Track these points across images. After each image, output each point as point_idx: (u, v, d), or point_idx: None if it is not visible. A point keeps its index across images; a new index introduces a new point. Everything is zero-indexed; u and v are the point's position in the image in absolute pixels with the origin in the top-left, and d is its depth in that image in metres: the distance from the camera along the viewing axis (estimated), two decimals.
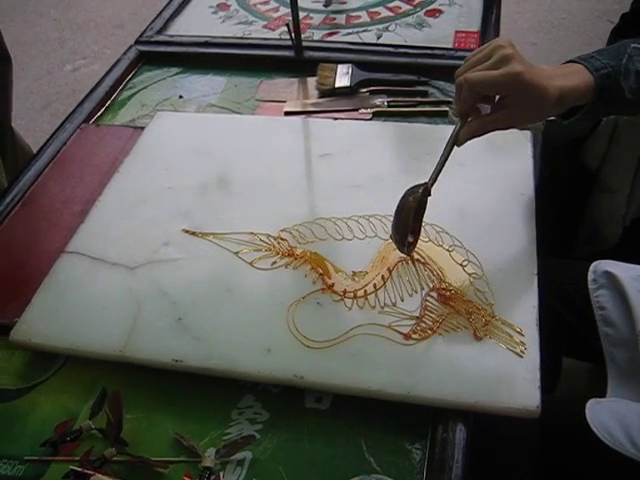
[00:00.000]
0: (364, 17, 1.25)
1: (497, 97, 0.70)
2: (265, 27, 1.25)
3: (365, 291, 0.73)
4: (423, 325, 0.69)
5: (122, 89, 1.13)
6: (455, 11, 1.24)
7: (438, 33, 1.18)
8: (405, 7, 1.27)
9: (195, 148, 0.95)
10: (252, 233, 0.81)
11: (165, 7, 1.32)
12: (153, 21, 1.27)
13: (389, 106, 1.03)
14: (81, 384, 0.69)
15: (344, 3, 1.30)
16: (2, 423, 0.67)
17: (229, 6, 1.33)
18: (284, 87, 1.10)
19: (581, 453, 0.72)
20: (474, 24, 1.19)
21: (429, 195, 0.71)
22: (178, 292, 0.74)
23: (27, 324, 0.72)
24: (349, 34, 1.20)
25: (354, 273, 0.75)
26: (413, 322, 0.69)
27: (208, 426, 0.64)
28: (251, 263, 0.77)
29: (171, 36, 1.23)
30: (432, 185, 0.71)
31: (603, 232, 1.08)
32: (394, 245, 0.76)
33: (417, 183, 0.71)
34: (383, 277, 0.74)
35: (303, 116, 1.02)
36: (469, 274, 0.74)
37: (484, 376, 0.64)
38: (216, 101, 1.09)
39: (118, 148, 0.98)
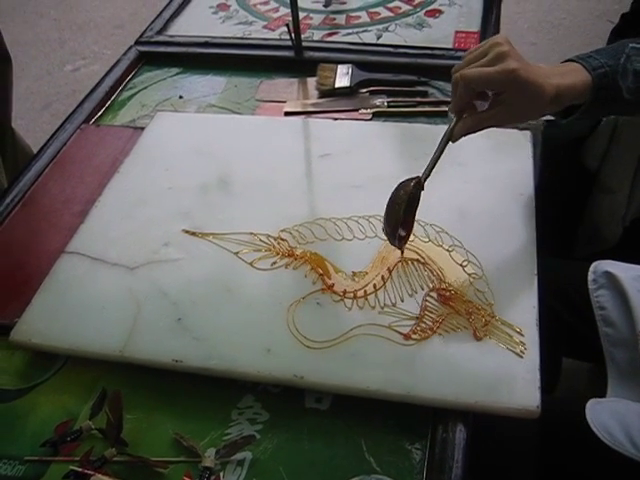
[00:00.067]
0: (364, 17, 1.25)
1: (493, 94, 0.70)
2: (265, 27, 1.25)
3: (365, 291, 0.73)
4: (423, 325, 0.69)
5: (122, 89, 1.13)
6: (455, 11, 1.24)
7: (438, 33, 1.18)
8: (405, 7, 1.27)
9: (195, 148, 0.95)
10: (252, 233, 0.81)
11: (165, 7, 1.32)
12: (153, 21, 1.27)
13: (389, 106, 1.03)
14: (81, 384, 0.69)
15: (344, 3, 1.30)
16: (2, 423, 0.67)
17: (229, 6, 1.33)
18: (284, 87, 1.10)
19: (581, 453, 0.72)
20: (474, 24, 1.19)
21: (422, 189, 0.71)
22: (178, 292, 0.74)
23: (27, 324, 0.72)
24: (349, 34, 1.20)
25: (354, 273, 0.75)
26: (413, 322, 0.69)
27: (208, 426, 0.64)
28: (251, 263, 0.77)
29: (171, 36, 1.23)
30: (425, 179, 0.70)
31: (603, 232, 1.08)
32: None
33: (409, 177, 0.71)
34: (383, 277, 0.74)
35: (303, 116, 1.02)
36: (469, 274, 0.74)
37: (484, 376, 0.64)
38: (216, 101, 1.09)
39: (118, 148, 0.98)
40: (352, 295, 0.73)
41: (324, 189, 0.87)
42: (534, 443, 0.72)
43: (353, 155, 0.91)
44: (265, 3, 1.33)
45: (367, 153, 0.92)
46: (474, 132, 0.69)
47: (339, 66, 1.09)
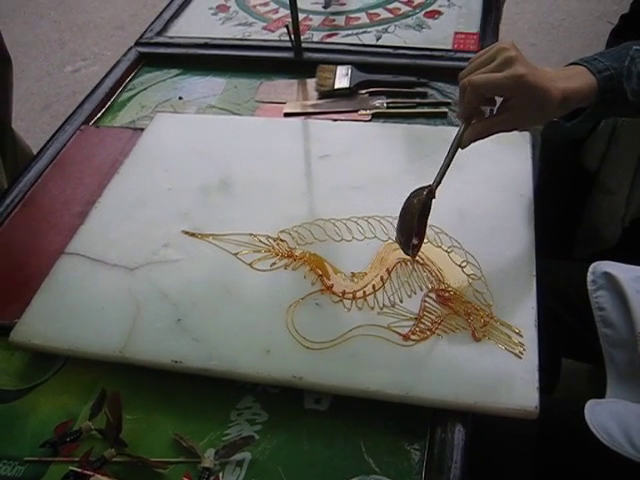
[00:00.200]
0: (363, 18, 1.25)
1: (501, 99, 0.70)
2: (265, 28, 1.25)
3: (364, 292, 0.73)
4: (422, 326, 0.69)
5: (122, 90, 1.13)
6: (454, 12, 1.24)
7: (437, 34, 1.18)
8: (404, 8, 1.27)
9: (195, 149, 0.95)
10: (251, 234, 0.81)
11: (165, 8, 1.32)
12: (153, 22, 1.27)
13: (388, 107, 1.03)
14: (81, 385, 0.69)
15: (343, 4, 1.31)
16: (2, 424, 0.67)
17: (229, 7, 1.33)
18: (284, 88, 1.10)
19: (580, 454, 0.72)
20: (473, 25, 1.19)
21: (433, 197, 0.71)
22: (178, 293, 0.74)
23: (27, 325, 0.72)
24: (348, 35, 1.20)
25: (353, 274, 0.75)
26: (412, 323, 0.69)
27: (207, 427, 0.65)
28: (250, 264, 0.77)
29: (171, 37, 1.23)
30: (437, 187, 0.71)
31: (602, 233, 1.08)
32: (393, 246, 0.76)
33: (421, 185, 0.71)
34: (382, 278, 0.74)
35: (302, 117, 1.03)
36: (468, 275, 0.74)
37: (483, 377, 0.64)
38: (216, 102, 1.09)
39: (118, 149, 0.98)
40: (351, 296, 0.73)
41: (323, 190, 0.87)
42: (533, 443, 0.72)
43: (352, 156, 0.92)
44: (265, 4, 1.33)
45: (366, 154, 0.92)
46: (483, 138, 0.70)
47: (338, 67, 1.09)
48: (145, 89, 1.14)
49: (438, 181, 0.70)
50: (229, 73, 1.15)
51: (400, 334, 0.68)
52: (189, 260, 0.78)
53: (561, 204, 1.13)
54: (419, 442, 0.62)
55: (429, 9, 1.26)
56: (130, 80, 1.16)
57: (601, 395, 0.78)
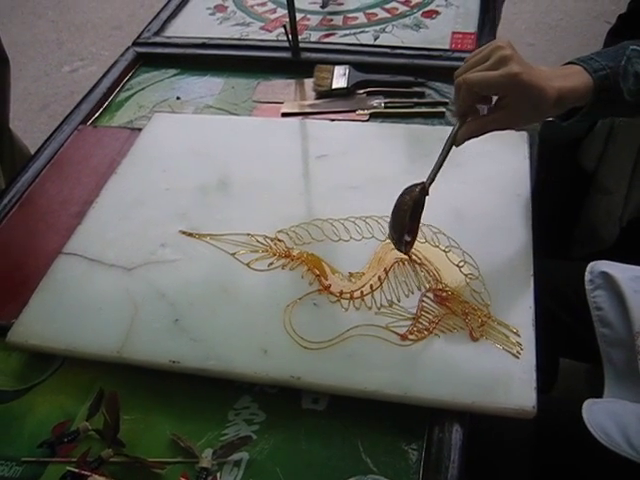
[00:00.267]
0: (361, 18, 1.25)
1: (496, 98, 0.70)
2: (262, 28, 1.25)
3: (362, 292, 0.73)
4: (419, 326, 0.69)
5: (120, 90, 1.13)
6: (452, 12, 1.24)
7: (435, 34, 1.18)
8: (402, 8, 1.27)
9: (192, 149, 0.95)
10: (249, 234, 0.81)
11: (162, 8, 1.32)
12: (150, 22, 1.27)
13: (386, 107, 1.03)
14: (78, 385, 0.69)
15: (341, 4, 1.31)
16: None
17: (226, 7, 1.33)
18: (281, 88, 1.10)
19: (577, 453, 0.72)
20: (471, 25, 1.19)
21: (427, 194, 0.71)
22: (175, 293, 0.74)
23: (24, 325, 0.72)
24: (346, 35, 1.20)
25: (351, 274, 0.75)
26: (410, 323, 0.69)
27: (205, 427, 0.65)
28: (248, 264, 0.77)
29: (168, 37, 1.23)
30: (430, 184, 0.71)
31: (600, 233, 1.08)
32: (391, 246, 0.76)
33: (414, 182, 0.72)
34: (379, 278, 0.74)
35: (300, 117, 1.02)
36: (465, 275, 0.74)
37: (480, 377, 0.64)
38: (213, 102, 1.09)
39: (115, 149, 0.98)
40: (349, 296, 0.73)
41: (321, 190, 0.87)
42: (531, 443, 0.72)
43: (350, 156, 0.92)
44: (262, 4, 1.33)
45: (364, 154, 0.92)
46: (478, 136, 0.70)
47: (336, 67, 1.09)
48: (143, 89, 1.13)
49: (432, 178, 0.70)
50: (227, 73, 1.15)
51: (398, 334, 0.68)
52: (187, 260, 0.78)
53: (559, 204, 1.13)
54: (417, 442, 0.62)
55: (427, 9, 1.26)
56: (128, 80, 1.16)
57: (599, 395, 0.78)
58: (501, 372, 0.64)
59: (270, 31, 1.24)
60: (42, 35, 2.98)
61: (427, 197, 0.72)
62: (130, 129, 1.03)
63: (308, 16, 1.27)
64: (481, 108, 0.71)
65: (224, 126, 1.00)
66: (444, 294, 0.72)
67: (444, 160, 0.70)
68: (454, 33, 1.17)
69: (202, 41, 1.19)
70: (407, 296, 0.72)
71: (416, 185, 0.71)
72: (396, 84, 1.07)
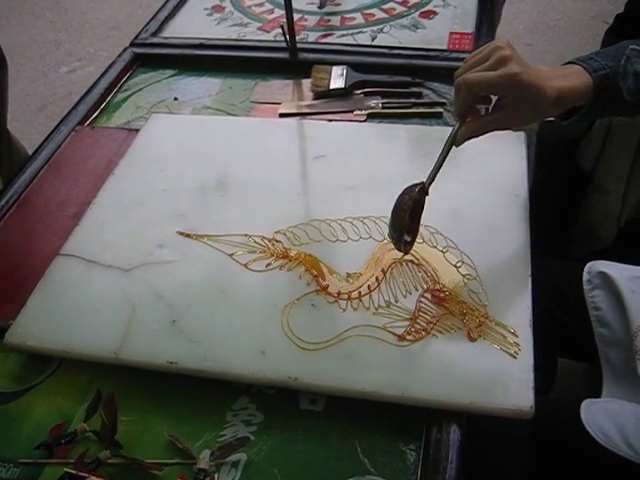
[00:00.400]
0: (359, 19, 1.25)
1: (496, 98, 0.70)
2: (260, 29, 1.25)
3: (359, 292, 0.73)
4: (417, 326, 0.69)
5: (117, 91, 1.13)
6: (449, 13, 1.24)
7: (432, 34, 1.18)
8: (400, 9, 1.27)
9: (190, 150, 0.95)
10: (247, 235, 0.81)
11: (160, 9, 1.32)
12: (148, 23, 1.27)
13: (383, 107, 1.03)
14: (76, 386, 0.69)
15: (338, 5, 1.31)
16: None
17: (224, 8, 1.33)
18: (279, 89, 1.10)
19: (575, 453, 0.72)
20: (468, 26, 1.19)
21: (426, 194, 0.71)
22: (173, 294, 0.74)
23: (22, 327, 0.72)
24: (344, 36, 1.20)
25: (348, 275, 0.75)
26: (407, 323, 0.69)
27: (203, 428, 0.65)
28: (245, 265, 0.77)
29: (166, 38, 1.23)
30: (430, 185, 0.71)
31: (598, 233, 1.08)
32: (388, 246, 0.76)
33: (414, 182, 0.72)
34: (377, 278, 0.74)
35: (298, 118, 1.02)
36: (463, 275, 0.74)
37: (478, 377, 0.64)
38: (211, 103, 1.09)
39: (113, 150, 0.98)
40: (346, 296, 0.73)
41: (318, 190, 0.87)
42: (529, 443, 0.72)
43: (348, 156, 0.91)
44: (260, 5, 1.33)
45: (362, 154, 0.92)
46: (477, 136, 0.70)
47: (334, 67, 1.09)
48: (140, 90, 1.13)
49: (431, 178, 0.70)
50: (224, 74, 1.15)
51: (395, 334, 0.68)
52: (184, 261, 0.78)
53: (557, 204, 1.13)
54: (415, 442, 0.62)
55: (424, 9, 1.26)
56: (125, 81, 1.16)
57: (597, 395, 0.78)
58: (499, 372, 0.64)
59: (268, 32, 1.24)
60: (40, 36, 2.98)
61: (426, 197, 0.71)
62: (128, 130, 1.03)
63: (305, 17, 1.27)
64: (481, 108, 0.71)
65: (222, 127, 1.00)
66: (442, 294, 0.72)
67: (444, 160, 0.70)
68: (452, 33, 1.17)
69: (200, 42, 1.19)
70: (405, 297, 0.72)
71: (416, 185, 0.71)
72: (394, 84, 1.07)
